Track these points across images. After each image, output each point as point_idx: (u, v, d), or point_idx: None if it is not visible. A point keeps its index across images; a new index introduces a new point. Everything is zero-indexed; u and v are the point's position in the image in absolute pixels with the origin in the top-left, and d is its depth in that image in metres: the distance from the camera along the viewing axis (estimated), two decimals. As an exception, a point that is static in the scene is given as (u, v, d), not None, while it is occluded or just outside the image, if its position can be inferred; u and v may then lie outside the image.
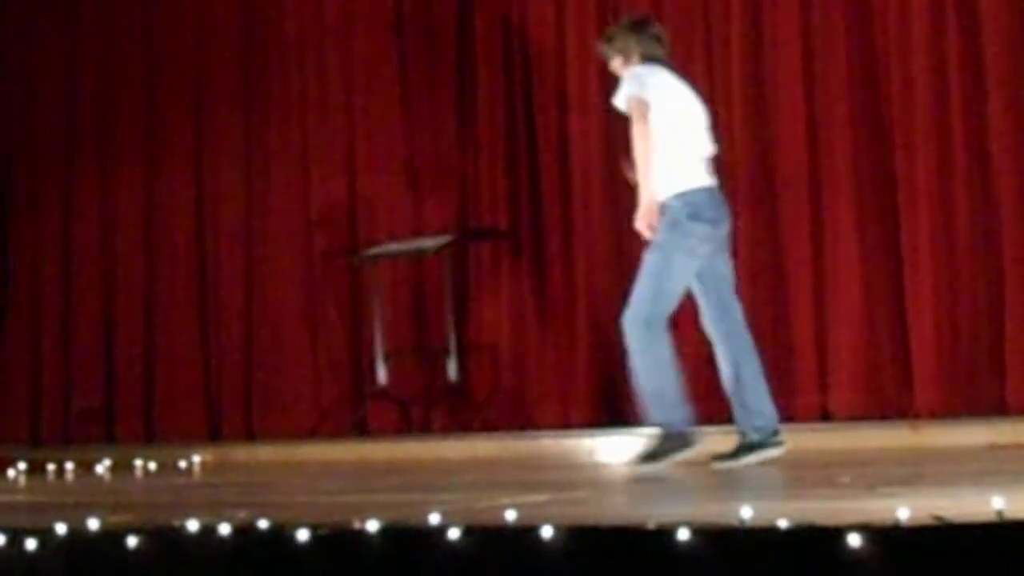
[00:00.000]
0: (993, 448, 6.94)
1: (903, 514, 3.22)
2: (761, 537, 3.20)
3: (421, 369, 9.48)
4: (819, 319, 8.32)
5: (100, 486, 7.23)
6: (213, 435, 10.00)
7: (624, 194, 8.99)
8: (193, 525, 3.71)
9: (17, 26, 10.88)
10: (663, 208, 6.45)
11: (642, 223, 6.47)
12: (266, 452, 9.14)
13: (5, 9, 10.84)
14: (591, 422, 8.77)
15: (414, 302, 9.57)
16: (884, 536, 3.07)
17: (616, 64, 6.74)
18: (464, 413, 9.13)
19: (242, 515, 4.06)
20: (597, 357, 8.89)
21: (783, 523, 3.21)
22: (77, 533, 3.81)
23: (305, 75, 10.05)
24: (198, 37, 10.41)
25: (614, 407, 8.74)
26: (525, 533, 3.37)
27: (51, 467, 8.28)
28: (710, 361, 8.69)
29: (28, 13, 10.84)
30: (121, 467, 8.28)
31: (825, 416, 8.25)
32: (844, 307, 8.24)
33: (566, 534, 3.33)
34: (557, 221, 9.14)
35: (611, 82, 6.86)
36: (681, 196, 6.45)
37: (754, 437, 6.47)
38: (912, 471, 5.86)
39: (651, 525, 3.31)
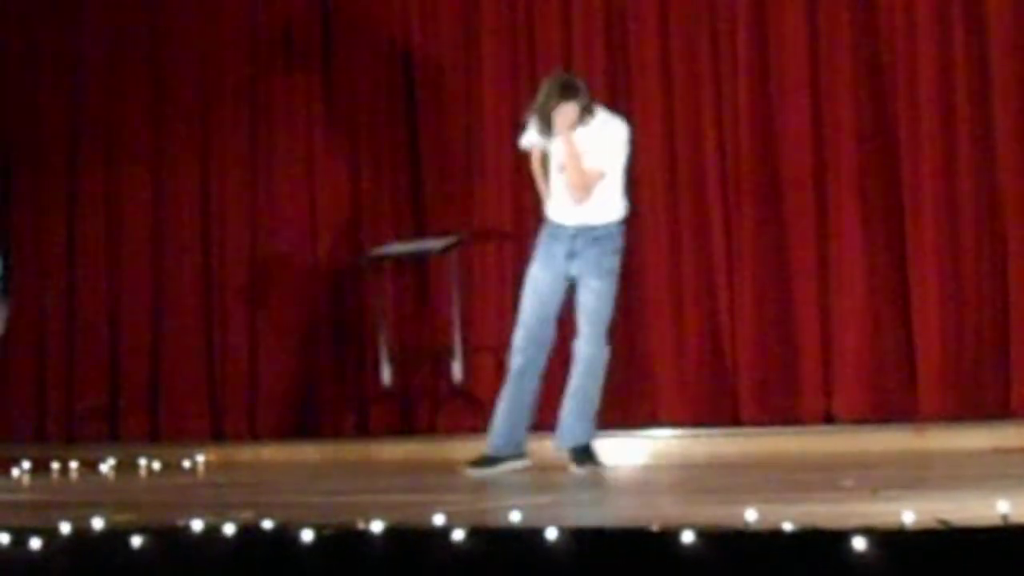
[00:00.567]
0: (998, 452, 6.93)
1: (908, 518, 3.22)
2: (765, 540, 3.19)
3: (426, 370, 9.48)
4: (824, 321, 8.31)
5: (104, 485, 7.24)
6: (217, 434, 10.00)
7: (628, 195, 9.02)
8: (197, 525, 3.71)
9: (22, 22, 10.88)
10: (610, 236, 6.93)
11: None
12: (270, 452, 9.14)
13: (9, 5, 10.84)
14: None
15: (419, 303, 9.57)
16: (888, 540, 3.07)
17: (576, 114, 6.91)
18: (469, 414, 9.12)
19: (246, 515, 4.06)
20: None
21: (787, 526, 3.21)
22: (81, 532, 3.82)
23: (310, 75, 10.05)
24: (204, 35, 10.40)
25: (619, 408, 8.74)
26: (529, 535, 3.37)
27: (55, 466, 8.28)
28: (710, 362, 8.74)
29: (33, 9, 10.84)
30: (125, 466, 8.28)
31: (829, 419, 8.25)
32: (849, 309, 8.23)
33: (570, 536, 3.33)
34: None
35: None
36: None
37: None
38: (917, 474, 5.86)
39: (656, 527, 3.30)
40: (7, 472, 8.06)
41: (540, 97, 6.97)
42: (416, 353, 9.49)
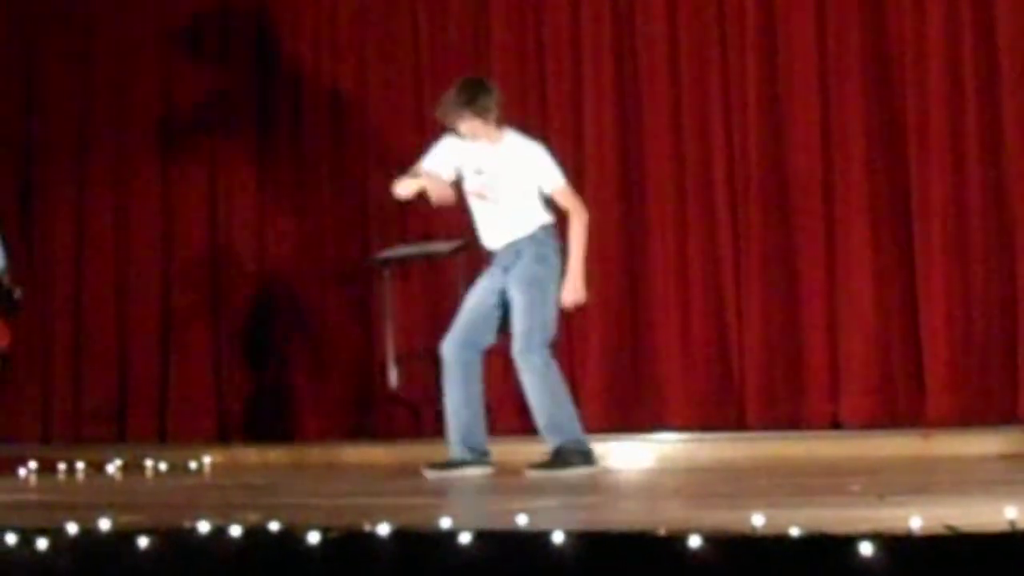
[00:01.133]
0: (1005, 457, 6.93)
1: (915, 523, 3.22)
2: (772, 545, 3.19)
3: (432, 372, 9.47)
4: (831, 326, 8.31)
5: (111, 486, 7.24)
6: (224, 436, 10.00)
7: (636, 198, 9.03)
8: (204, 526, 3.71)
9: (31, 23, 10.88)
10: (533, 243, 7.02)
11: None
12: (276, 454, 9.14)
13: (18, 6, 10.84)
14: (601, 427, 8.75)
15: (426, 305, 9.56)
16: (895, 545, 3.07)
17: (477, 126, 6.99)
18: (475, 417, 9.10)
19: (252, 517, 4.06)
20: (607, 362, 8.89)
21: (794, 531, 3.21)
22: (88, 533, 3.82)
23: (319, 73, 10.05)
24: (213, 36, 10.41)
25: (625, 412, 8.74)
26: (536, 538, 3.37)
27: (62, 466, 8.28)
28: (717, 366, 8.73)
29: (41, 10, 10.83)
30: (132, 467, 8.28)
31: (836, 424, 8.24)
32: (856, 315, 8.23)
33: (577, 540, 3.33)
34: (567, 224, 9.11)
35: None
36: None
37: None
38: (924, 480, 5.85)
39: (662, 532, 3.30)
40: (14, 473, 8.06)
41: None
42: (423, 356, 9.48)
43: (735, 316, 8.60)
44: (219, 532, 3.68)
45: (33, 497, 6.71)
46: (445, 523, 3.59)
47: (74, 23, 10.73)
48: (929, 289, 8.06)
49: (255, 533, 3.67)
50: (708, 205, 8.72)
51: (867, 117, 8.28)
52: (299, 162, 10.05)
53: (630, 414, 8.70)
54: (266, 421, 9.96)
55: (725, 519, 3.83)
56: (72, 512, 4.46)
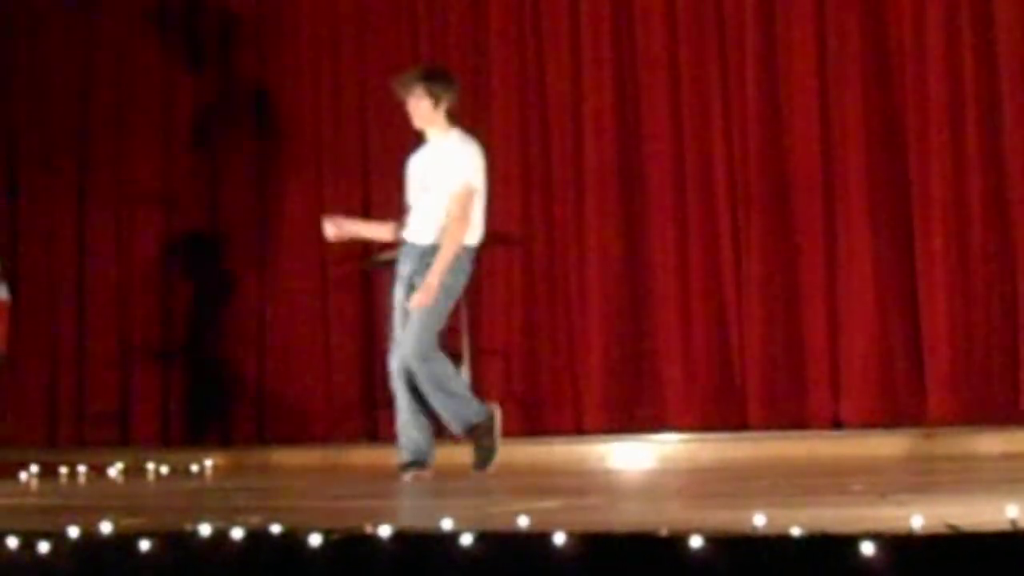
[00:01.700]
0: (1006, 456, 6.93)
1: (916, 522, 3.22)
2: (774, 544, 3.19)
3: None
4: (832, 326, 8.31)
5: (113, 489, 7.24)
6: (225, 439, 10.00)
7: (636, 198, 9.03)
8: (205, 529, 3.71)
9: (31, 23, 10.88)
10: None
11: None
12: (279, 456, 9.14)
13: (19, 6, 10.84)
14: (603, 428, 8.76)
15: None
16: (897, 544, 3.07)
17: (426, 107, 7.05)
18: (476, 418, 9.10)
19: (254, 519, 4.06)
20: (608, 363, 8.89)
21: (796, 531, 3.21)
22: (90, 536, 3.82)
23: (320, 75, 10.04)
24: (214, 36, 10.41)
25: (627, 413, 8.74)
26: (537, 539, 3.37)
27: (64, 470, 8.28)
28: (718, 366, 8.74)
29: (42, 10, 10.83)
30: (134, 470, 8.28)
31: (838, 423, 8.24)
32: (857, 314, 8.23)
33: (579, 541, 3.33)
34: (570, 226, 9.13)
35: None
36: None
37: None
38: (925, 479, 5.86)
39: (664, 532, 3.30)
40: (16, 476, 8.06)
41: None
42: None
43: (736, 316, 8.60)
44: (221, 535, 3.68)
45: (35, 500, 6.71)
46: (447, 524, 3.59)
47: (74, 22, 10.73)
48: (930, 288, 8.06)
49: (257, 536, 3.67)
50: (708, 206, 8.72)
51: (867, 118, 8.28)
52: (299, 162, 10.05)
53: (631, 414, 8.70)
54: (267, 423, 9.96)
55: (727, 519, 3.83)
56: (74, 515, 4.46)
